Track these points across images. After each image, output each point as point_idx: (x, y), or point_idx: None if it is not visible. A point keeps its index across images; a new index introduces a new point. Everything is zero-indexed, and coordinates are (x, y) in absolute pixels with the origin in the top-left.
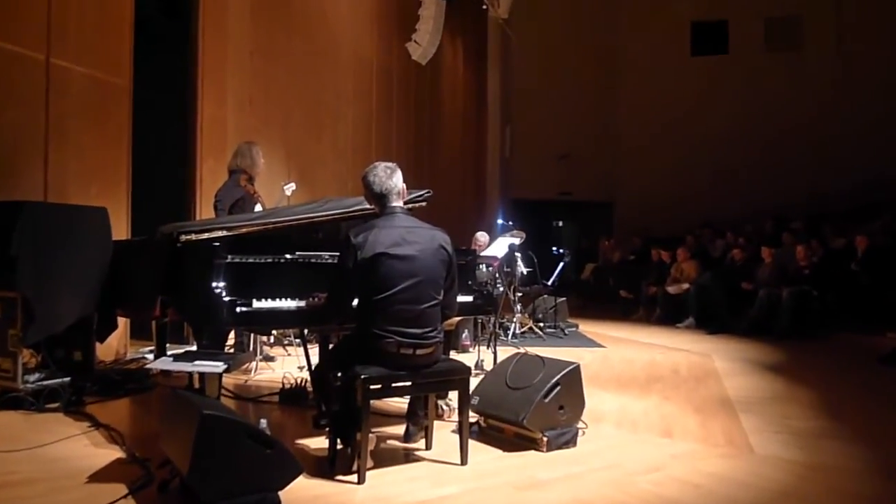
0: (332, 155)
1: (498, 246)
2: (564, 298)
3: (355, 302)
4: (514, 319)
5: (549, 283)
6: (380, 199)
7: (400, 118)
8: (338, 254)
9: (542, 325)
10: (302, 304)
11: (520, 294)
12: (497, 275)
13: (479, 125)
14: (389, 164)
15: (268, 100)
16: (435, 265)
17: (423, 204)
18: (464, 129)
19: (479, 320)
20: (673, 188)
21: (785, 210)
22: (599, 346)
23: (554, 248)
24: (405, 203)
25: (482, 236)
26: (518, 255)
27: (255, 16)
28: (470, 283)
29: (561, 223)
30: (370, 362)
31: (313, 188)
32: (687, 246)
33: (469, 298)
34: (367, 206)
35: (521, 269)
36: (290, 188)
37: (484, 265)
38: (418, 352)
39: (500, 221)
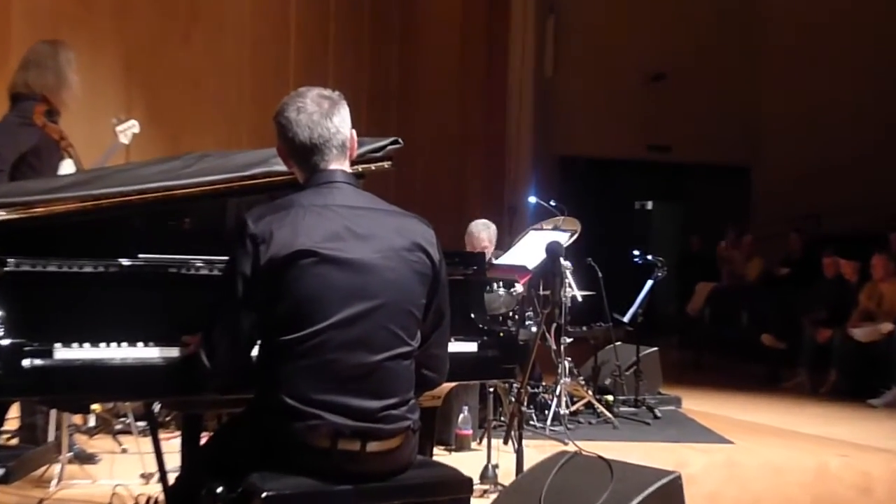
0: (213, 73)
1: (527, 247)
2: (655, 349)
3: (254, 350)
4: (559, 388)
5: (627, 319)
6: (305, 155)
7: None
8: (222, 258)
9: (611, 399)
10: (152, 353)
11: (569, 339)
12: (525, 302)
13: (490, 24)
14: (326, 93)
15: None
16: (406, 280)
17: (388, 165)
18: (464, 30)
19: (492, 389)
20: (860, 150)
21: None
22: (722, 440)
23: (636, 253)
24: (354, 164)
25: (479, 228)
26: (566, 264)
27: None
28: (473, 316)
29: (650, 205)
30: (280, 467)
31: (177, 135)
32: (891, 252)
33: (471, 347)
34: (280, 170)
35: (573, 291)
36: (128, 129)
37: (500, 284)
38: (371, 447)
39: (531, 200)
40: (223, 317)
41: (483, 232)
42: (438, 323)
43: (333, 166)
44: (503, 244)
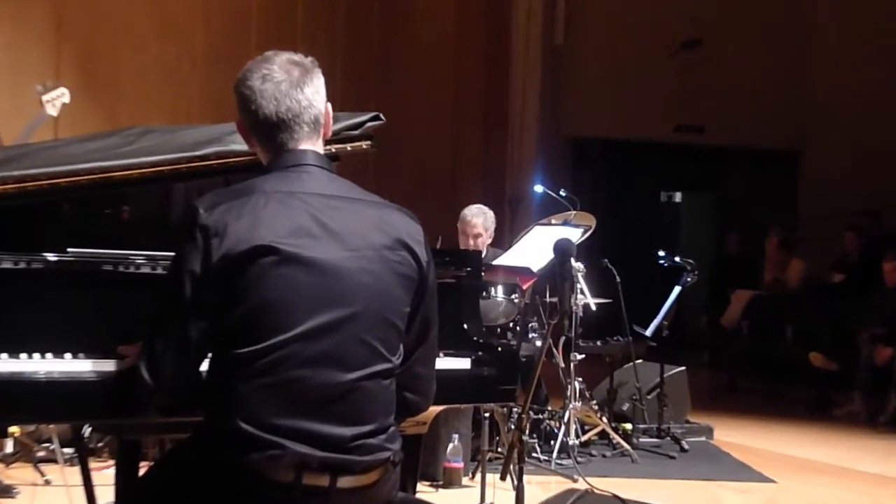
0: (159, 31)
1: (531, 246)
2: (683, 369)
3: (203, 364)
4: (568, 413)
5: (650, 332)
6: (270, 133)
7: None
8: (167, 254)
9: (629, 427)
10: (83, 366)
11: (580, 356)
12: (528, 311)
13: None
14: (297, 58)
15: None
16: (386, 284)
17: (368, 146)
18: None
19: (487, 414)
20: None
21: None
22: (762, 478)
23: (661, 254)
24: (328, 145)
25: (472, 213)
26: (578, 266)
27: None
28: (467, 327)
29: (678, 196)
30: None
31: (115, 106)
32: None
33: (464, 364)
34: (239, 150)
35: (585, 298)
36: (56, 99)
37: (499, 289)
38: (342, 482)
39: (537, 189)
40: (167, 324)
41: (477, 218)
42: (424, 335)
43: (304, 146)
44: (503, 242)
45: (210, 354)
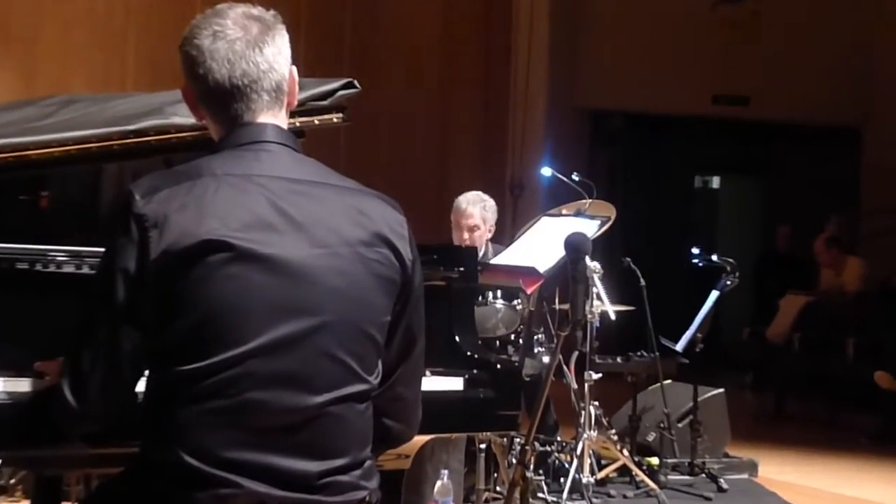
0: None
1: (538, 241)
2: (721, 391)
3: (140, 384)
4: (581, 445)
5: (681, 346)
6: (223, 102)
7: None
8: (95, 250)
9: (656, 462)
10: None
11: (596, 375)
12: (534, 320)
13: None
14: (256, 12)
15: None
16: (362, 288)
17: (339, 120)
18: None
19: (483, 445)
20: None
21: None
22: None
23: (695, 252)
24: (292, 118)
25: (468, 201)
26: (594, 266)
27: None
28: (459, 339)
29: (716, 181)
30: None
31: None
32: None
33: (455, 384)
34: (184, 123)
35: (603, 305)
36: None
37: (498, 293)
38: None
39: (545, 173)
40: (96, 334)
41: (474, 206)
42: (408, 350)
43: (263, 119)
44: (504, 236)
45: (147, 372)
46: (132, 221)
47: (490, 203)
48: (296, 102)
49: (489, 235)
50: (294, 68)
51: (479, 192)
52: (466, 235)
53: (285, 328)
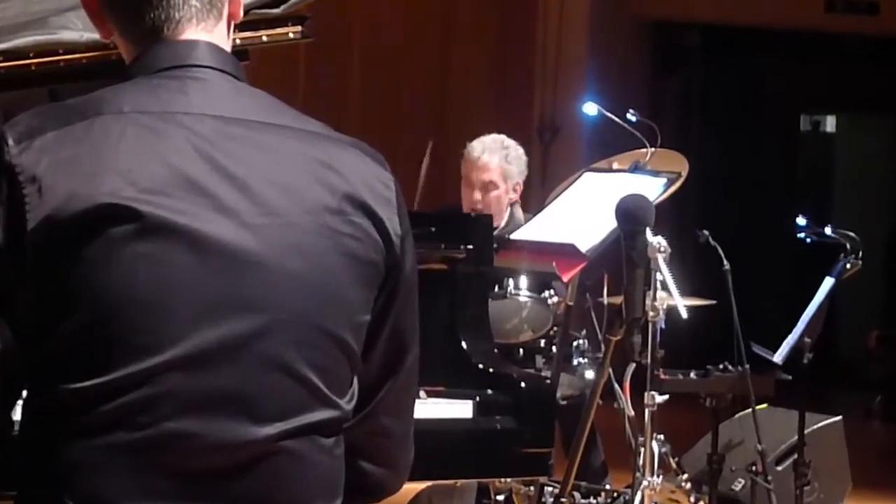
0: None
1: (578, 207)
2: (839, 419)
3: (16, 408)
4: (641, 494)
5: (781, 357)
6: (133, 8)
7: None
8: None
9: None
10: None
11: (661, 397)
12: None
13: None
14: None
15: None
16: (328, 273)
17: (296, 35)
18: None
19: (502, 497)
20: None
21: None
22: None
23: (801, 223)
24: (233, 31)
25: (483, 148)
26: (658, 243)
27: None
28: (467, 345)
29: (831, 122)
30: None
31: None
32: None
33: (463, 410)
34: (80, 41)
35: (670, 298)
36: None
37: (521, 280)
38: None
39: (588, 110)
40: None
41: (491, 155)
42: (395, 363)
43: (191, 34)
44: (532, 200)
45: (25, 392)
46: (2, 176)
47: (515, 151)
48: (241, 14)
49: (513, 198)
50: None
51: (501, 136)
52: (479, 196)
53: (218, 330)
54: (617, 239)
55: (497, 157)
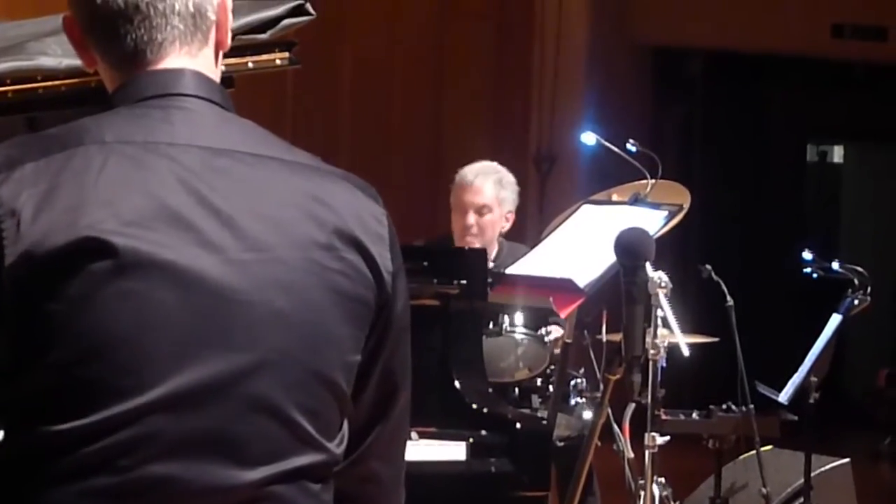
0: None
1: (577, 241)
2: (847, 461)
3: None
4: None
5: (786, 397)
6: (114, 33)
7: None
8: None
9: None
10: None
11: (662, 439)
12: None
13: None
14: None
15: None
16: (317, 312)
17: (283, 62)
18: None
19: None
20: None
21: None
22: None
23: (807, 257)
24: (230, 56)
25: (474, 174)
26: (659, 279)
27: None
28: (460, 384)
29: (838, 152)
30: None
31: None
32: None
33: (456, 452)
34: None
35: (672, 335)
36: None
37: (517, 317)
38: None
39: (587, 140)
40: None
41: (485, 179)
42: (386, 406)
43: (174, 58)
44: (527, 232)
45: (1, 434)
46: None
47: (507, 178)
48: (229, 42)
49: (504, 228)
50: None
51: (493, 163)
52: (473, 220)
53: (203, 370)
54: (616, 274)
55: (491, 182)
